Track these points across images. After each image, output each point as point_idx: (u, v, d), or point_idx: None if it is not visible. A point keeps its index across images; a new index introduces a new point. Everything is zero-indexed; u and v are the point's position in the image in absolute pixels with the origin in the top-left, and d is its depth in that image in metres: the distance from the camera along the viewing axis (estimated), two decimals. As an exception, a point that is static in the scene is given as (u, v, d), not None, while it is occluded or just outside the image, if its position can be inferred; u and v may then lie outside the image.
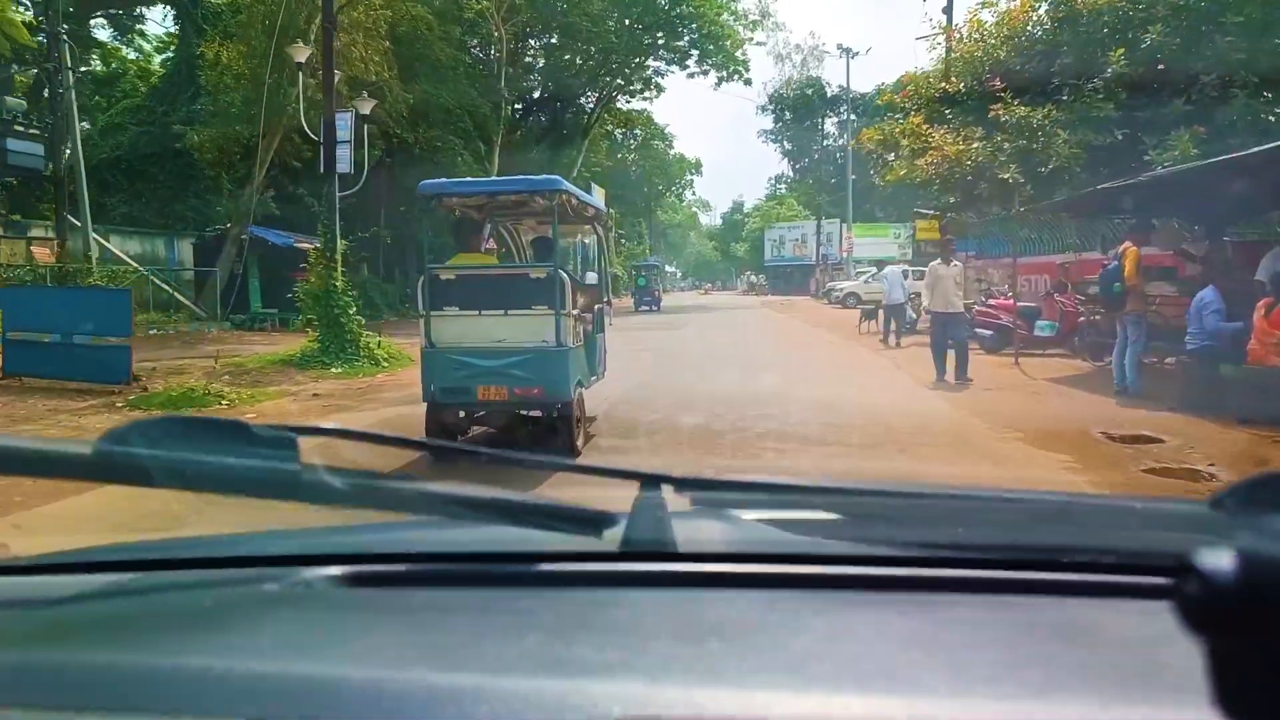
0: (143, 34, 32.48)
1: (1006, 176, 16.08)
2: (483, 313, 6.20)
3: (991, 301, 13.50)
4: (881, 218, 52.04)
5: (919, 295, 20.57)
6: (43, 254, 19.01)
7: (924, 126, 17.69)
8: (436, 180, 7.12)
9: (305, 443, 0.84)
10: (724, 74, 39.92)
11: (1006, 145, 16.69)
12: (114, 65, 31.89)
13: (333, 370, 11.68)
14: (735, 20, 38.28)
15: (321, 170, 12.37)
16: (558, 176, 6.71)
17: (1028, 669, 0.72)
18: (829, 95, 59.30)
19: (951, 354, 9.94)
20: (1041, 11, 17.58)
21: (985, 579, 0.89)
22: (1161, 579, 0.79)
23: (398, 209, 24.61)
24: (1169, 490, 5.18)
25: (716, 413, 7.83)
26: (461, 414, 6.54)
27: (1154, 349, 8.90)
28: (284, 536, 1.22)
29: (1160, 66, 15.94)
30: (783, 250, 59.31)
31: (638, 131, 52.98)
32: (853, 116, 46.47)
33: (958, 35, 20.61)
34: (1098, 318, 10.98)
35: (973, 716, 0.65)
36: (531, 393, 6.08)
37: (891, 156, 20.84)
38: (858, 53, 51.91)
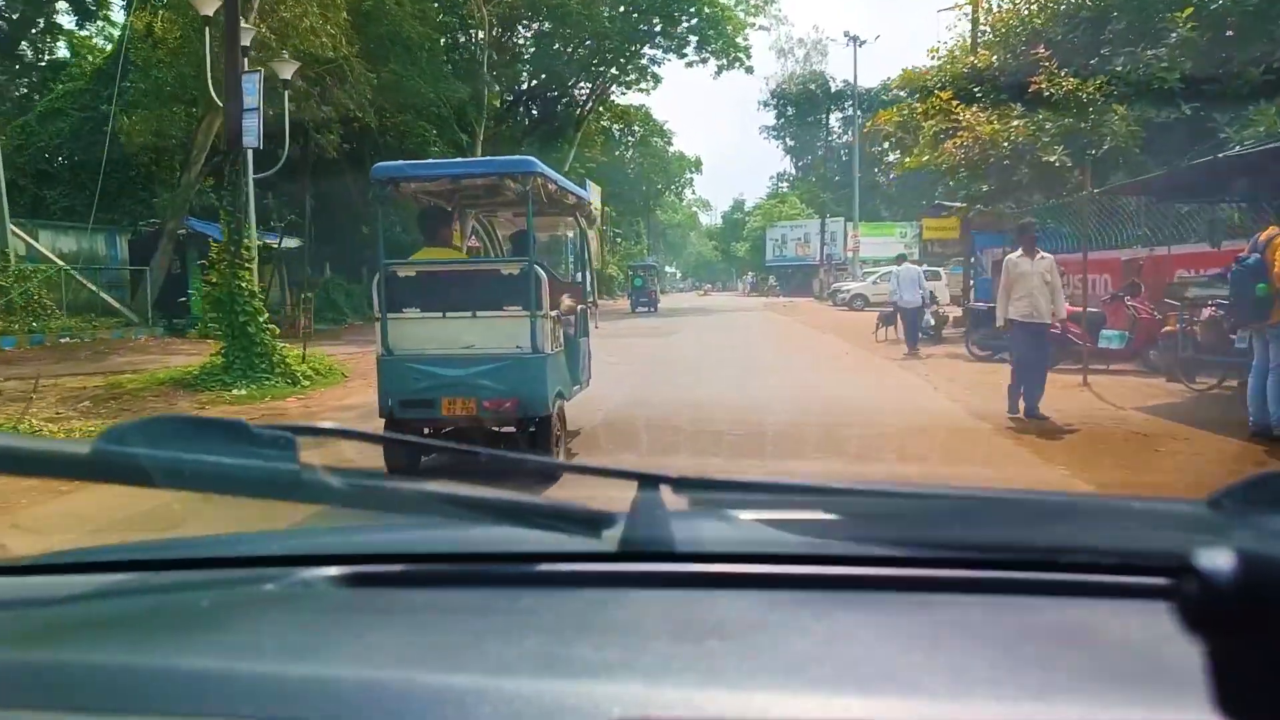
0: (108, 19, 30.22)
1: (1052, 159, 13.76)
2: (448, 315, 5.67)
3: (1046, 306, 11.22)
4: (887, 216, 50.45)
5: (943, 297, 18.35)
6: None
7: (954, 103, 15.36)
8: (392, 163, 6.26)
9: (304, 443, 0.83)
10: (724, 62, 37.87)
11: (1049, 125, 14.41)
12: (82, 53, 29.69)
13: (233, 392, 9.38)
14: (736, 3, 36.04)
15: (226, 145, 10.08)
16: (532, 157, 5.97)
17: (1027, 669, 0.73)
18: (833, 90, 57.62)
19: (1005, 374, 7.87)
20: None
21: (985, 579, 0.89)
22: (1161, 579, 0.79)
23: (365, 202, 22.35)
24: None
25: (710, 465, 5.60)
26: (426, 430, 5.76)
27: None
28: (284, 536, 1.30)
29: (1230, 33, 13.69)
30: (785, 250, 57.25)
31: (636, 127, 50.80)
32: (859, 112, 44.22)
33: (986, 3, 18.30)
34: (1196, 327, 8.66)
35: (972, 717, 0.65)
36: (504, 406, 5.51)
37: (900, 144, 18.57)
38: (865, 41, 49.39)
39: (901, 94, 22.80)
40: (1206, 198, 9.78)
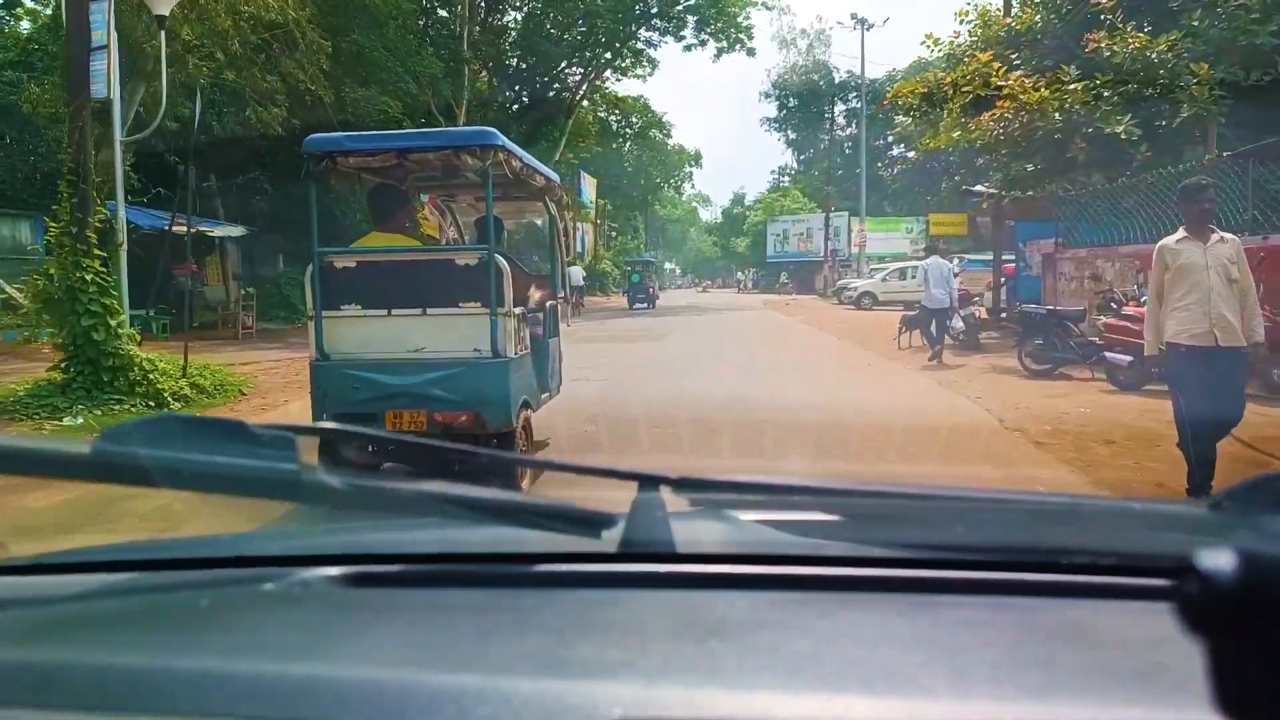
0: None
1: (1119, 130, 11.42)
2: (393, 312, 5.04)
3: (1128, 310, 8.83)
4: (890, 211, 48.42)
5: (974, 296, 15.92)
6: None
7: (996, 65, 13.01)
8: (328, 134, 5.63)
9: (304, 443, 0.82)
10: (724, 44, 35.64)
11: (1106, 92, 12.08)
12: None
13: (63, 421, 7.05)
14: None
15: (68, 94, 7.75)
16: (492, 129, 5.28)
17: (1028, 670, 0.72)
18: (837, 81, 55.38)
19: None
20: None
21: (986, 580, 0.89)
22: (1162, 580, 0.80)
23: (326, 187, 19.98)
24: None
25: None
26: (370, 448, 3.70)
27: None
28: (284, 536, 1.32)
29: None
30: (786, 245, 55.06)
31: (634, 119, 48.62)
32: (865, 102, 42.04)
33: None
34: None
35: (973, 717, 0.65)
36: (460, 420, 4.86)
37: (926, 117, 16.20)
38: (874, 24, 46.94)
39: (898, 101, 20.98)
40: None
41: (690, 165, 66.17)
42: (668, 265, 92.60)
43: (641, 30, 35.80)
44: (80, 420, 7.07)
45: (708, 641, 0.76)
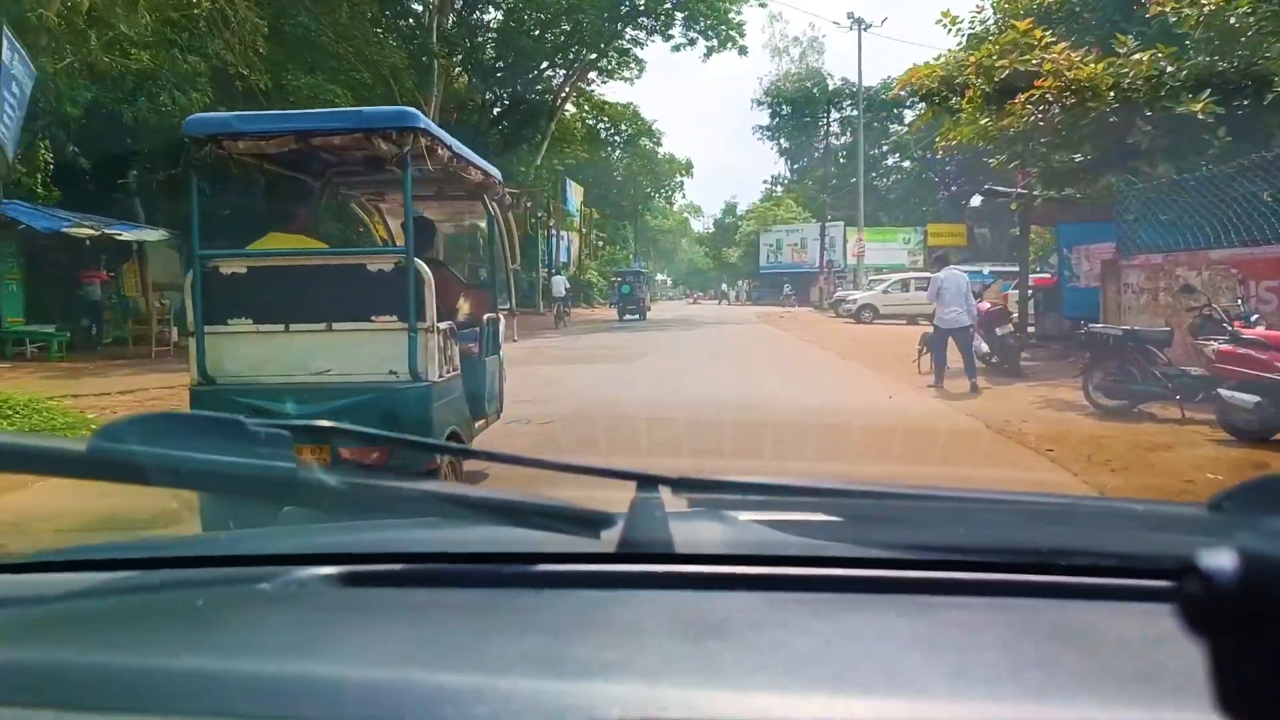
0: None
1: (1195, 110, 9.33)
2: (292, 328, 4.41)
3: (1248, 334, 6.69)
4: (887, 222, 46.79)
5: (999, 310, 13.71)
6: None
7: (1038, 33, 10.91)
8: (212, 114, 5.26)
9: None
10: (714, 43, 33.75)
11: (1169, 68, 10.02)
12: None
13: None
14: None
15: None
16: (412, 109, 4.59)
17: (1028, 671, 0.72)
18: (831, 88, 53.66)
19: None
20: None
21: (986, 581, 0.89)
22: (1162, 581, 0.79)
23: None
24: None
25: None
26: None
27: None
28: (281, 535, 1.27)
29: None
30: (780, 256, 53.24)
31: (623, 126, 46.80)
32: (860, 106, 40.22)
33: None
34: None
35: (973, 718, 0.65)
36: (371, 457, 3.86)
37: (944, 103, 14.11)
38: (871, 24, 45.00)
39: (904, 93, 19.06)
40: None
41: (681, 175, 64.67)
42: (659, 276, 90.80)
43: (627, 29, 33.96)
44: None
45: (706, 642, 0.77)
